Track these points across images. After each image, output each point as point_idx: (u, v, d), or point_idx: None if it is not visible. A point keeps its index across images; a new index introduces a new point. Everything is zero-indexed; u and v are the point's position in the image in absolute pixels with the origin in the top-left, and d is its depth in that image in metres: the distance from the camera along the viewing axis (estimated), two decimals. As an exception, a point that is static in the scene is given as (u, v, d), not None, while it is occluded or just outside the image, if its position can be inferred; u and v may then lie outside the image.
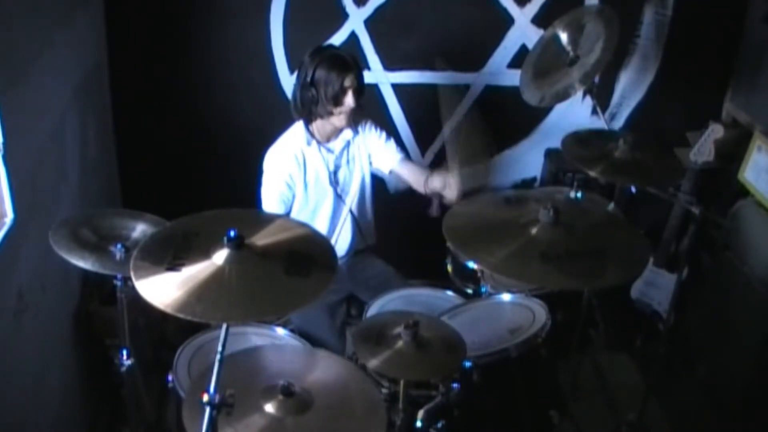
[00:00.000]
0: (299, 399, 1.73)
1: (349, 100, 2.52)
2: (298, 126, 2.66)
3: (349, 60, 2.54)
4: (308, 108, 2.57)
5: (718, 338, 3.00)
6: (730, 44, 3.46)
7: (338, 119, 2.59)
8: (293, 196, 2.68)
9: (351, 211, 2.75)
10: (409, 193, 2.80)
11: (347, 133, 2.69)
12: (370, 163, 2.79)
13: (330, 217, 2.73)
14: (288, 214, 2.68)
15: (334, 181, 2.70)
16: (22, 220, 2.14)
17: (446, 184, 2.57)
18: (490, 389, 2.22)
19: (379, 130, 2.79)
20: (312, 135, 2.65)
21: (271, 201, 2.63)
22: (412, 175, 2.75)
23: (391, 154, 2.78)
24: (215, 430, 1.54)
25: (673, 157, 2.73)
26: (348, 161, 2.73)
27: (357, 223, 2.80)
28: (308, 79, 2.51)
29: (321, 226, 2.66)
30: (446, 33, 3.38)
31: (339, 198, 2.72)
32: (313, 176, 2.67)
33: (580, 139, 2.63)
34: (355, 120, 2.67)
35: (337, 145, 2.69)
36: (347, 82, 2.50)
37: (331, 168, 2.69)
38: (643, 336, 3.33)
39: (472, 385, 2.14)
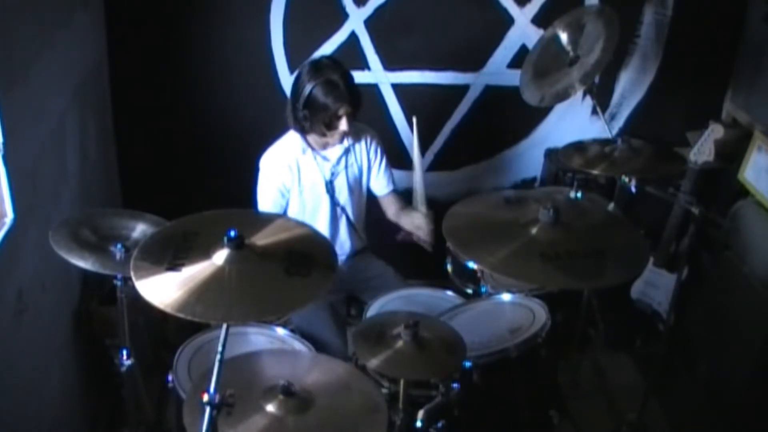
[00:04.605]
0: (299, 399, 1.73)
1: (343, 125, 2.50)
2: (294, 133, 2.63)
3: (344, 89, 2.45)
4: (301, 124, 2.55)
5: (718, 338, 3.00)
6: (730, 44, 3.46)
7: (332, 138, 2.59)
8: (288, 201, 2.68)
9: (348, 217, 2.76)
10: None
11: (345, 141, 2.66)
12: (368, 171, 2.78)
13: (328, 222, 2.72)
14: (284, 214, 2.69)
15: (330, 189, 2.68)
16: (22, 220, 2.14)
17: (416, 227, 2.72)
18: (490, 389, 2.22)
19: (380, 152, 2.76)
20: (308, 143, 2.63)
21: (265, 205, 2.65)
22: (389, 209, 2.85)
23: (383, 183, 2.81)
24: (215, 430, 1.54)
25: (675, 156, 2.74)
26: (346, 168, 2.70)
27: (354, 227, 2.80)
28: (302, 98, 2.47)
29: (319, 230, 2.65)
30: (446, 33, 3.37)
31: (336, 204, 2.72)
32: (309, 184, 2.66)
33: (578, 148, 2.67)
34: (357, 128, 2.63)
35: (333, 153, 2.67)
36: (341, 111, 2.47)
37: (327, 176, 2.67)
38: (643, 336, 3.33)
39: (472, 385, 2.14)
